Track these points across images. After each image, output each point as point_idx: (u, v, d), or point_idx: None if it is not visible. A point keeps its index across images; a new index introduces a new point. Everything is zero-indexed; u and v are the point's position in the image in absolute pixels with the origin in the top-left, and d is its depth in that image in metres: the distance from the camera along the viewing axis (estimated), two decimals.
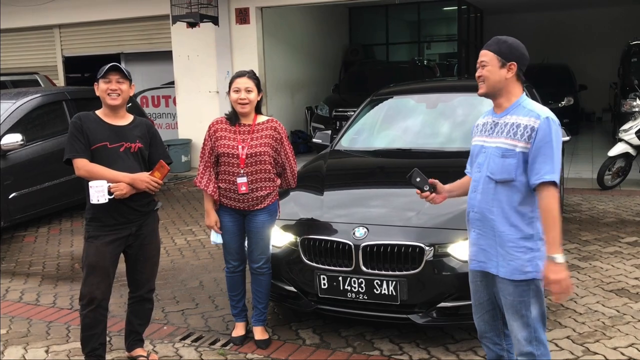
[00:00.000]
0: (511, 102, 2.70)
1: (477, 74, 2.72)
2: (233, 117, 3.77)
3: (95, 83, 3.45)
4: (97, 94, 3.45)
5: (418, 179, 2.89)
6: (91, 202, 3.30)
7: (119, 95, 3.40)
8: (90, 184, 3.29)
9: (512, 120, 2.65)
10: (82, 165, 3.35)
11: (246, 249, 3.90)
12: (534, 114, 2.60)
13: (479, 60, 2.72)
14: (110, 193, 3.30)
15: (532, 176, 2.56)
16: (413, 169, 2.93)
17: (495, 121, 2.73)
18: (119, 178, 3.33)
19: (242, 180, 3.67)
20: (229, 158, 3.69)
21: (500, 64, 2.65)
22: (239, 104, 3.68)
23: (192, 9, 9.82)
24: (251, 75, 3.73)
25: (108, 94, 3.39)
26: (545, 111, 2.61)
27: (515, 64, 2.66)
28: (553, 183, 2.54)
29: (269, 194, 3.77)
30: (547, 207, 2.54)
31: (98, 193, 3.28)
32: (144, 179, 3.37)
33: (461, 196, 3.06)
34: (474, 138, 2.87)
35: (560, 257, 2.50)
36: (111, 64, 3.40)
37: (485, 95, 2.73)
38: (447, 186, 3.05)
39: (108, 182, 3.30)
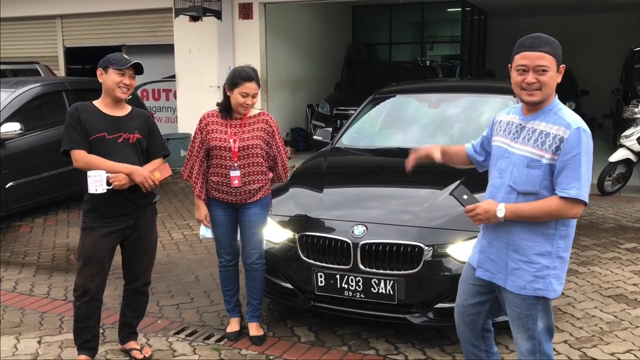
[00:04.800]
0: (544, 105, 2.49)
1: (529, 80, 2.42)
2: (225, 111, 3.73)
3: (100, 69, 3.36)
4: (102, 80, 3.37)
5: (465, 197, 2.58)
6: (89, 192, 3.26)
7: (129, 89, 3.37)
8: (89, 173, 3.25)
9: (541, 127, 2.45)
10: (79, 157, 3.30)
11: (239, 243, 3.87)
12: (565, 122, 2.40)
13: (532, 64, 2.41)
14: (108, 183, 3.25)
15: (556, 189, 2.40)
16: (459, 185, 2.67)
17: (522, 124, 2.53)
18: (118, 169, 3.29)
19: (235, 173, 3.63)
20: (221, 151, 3.66)
21: (556, 68, 2.43)
22: (242, 107, 3.63)
23: (195, 2, 9.79)
24: (257, 79, 3.66)
25: (119, 87, 3.33)
26: (577, 121, 2.41)
27: (564, 66, 2.49)
28: (579, 201, 2.36)
29: (262, 187, 3.73)
30: (552, 206, 2.38)
31: (96, 183, 3.24)
32: (143, 173, 3.31)
33: (448, 162, 2.92)
34: (495, 137, 2.67)
35: (501, 212, 2.44)
36: (132, 61, 3.33)
37: (538, 103, 2.47)
38: (444, 148, 2.87)
39: (107, 173, 3.26)
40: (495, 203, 2.49)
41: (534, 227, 2.47)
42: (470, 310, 2.78)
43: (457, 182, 2.75)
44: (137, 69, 3.39)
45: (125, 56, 3.40)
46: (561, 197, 2.38)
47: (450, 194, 2.64)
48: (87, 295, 3.37)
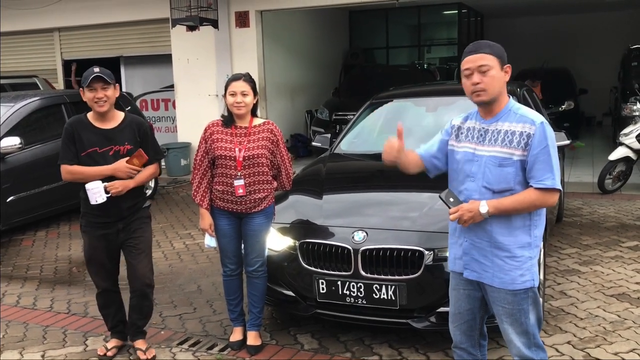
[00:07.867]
0: (501, 107, 2.60)
1: (474, 80, 2.53)
2: (229, 120, 3.75)
3: (81, 89, 3.54)
4: (84, 99, 3.55)
5: (451, 199, 2.66)
6: (91, 203, 3.45)
7: (106, 101, 3.50)
8: (87, 186, 3.43)
9: (505, 127, 2.56)
10: (63, 169, 3.53)
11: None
12: (528, 119, 2.53)
13: (475, 66, 2.53)
14: (107, 192, 3.43)
15: (531, 182, 2.52)
16: (446, 189, 2.72)
17: (485, 128, 2.63)
18: (102, 172, 3.48)
19: (239, 182, 3.64)
20: (226, 160, 3.67)
21: (500, 67, 2.56)
22: (235, 107, 3.66)
23: (191, 12, 9.81)
24: (247, 78, 3.70)
25: (95, 102, 3.49)
26: (538, 116, 2.56)
27: (510, 66, 2.60)
28: (554, 190, 2.50)
29: (266, 196, 3.75)
30: (532, 197, 2.49)
31: (95, 194, 3.43)
32: (123, 169, 3.50)
33: (403, 167, 2.86)
34: (456, 143, 2.73)
35: (484, 208, 2.52)
36: (94, 74, 3.44)
37: (487, 103, 2.59)
38: (410, 153, 2.85)
39: (103, 182, 3.44)
40: (477, 202, 2.57)
41: (512, 221, 2.57)
42: (466, 316, 2.81)
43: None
44: (105, 80, 3.46)
45: (95, 69, 3.49)
46: (537, 189, 2.51)
47: (439, 196, 2.70)
48: (100, 287, 3.79)
